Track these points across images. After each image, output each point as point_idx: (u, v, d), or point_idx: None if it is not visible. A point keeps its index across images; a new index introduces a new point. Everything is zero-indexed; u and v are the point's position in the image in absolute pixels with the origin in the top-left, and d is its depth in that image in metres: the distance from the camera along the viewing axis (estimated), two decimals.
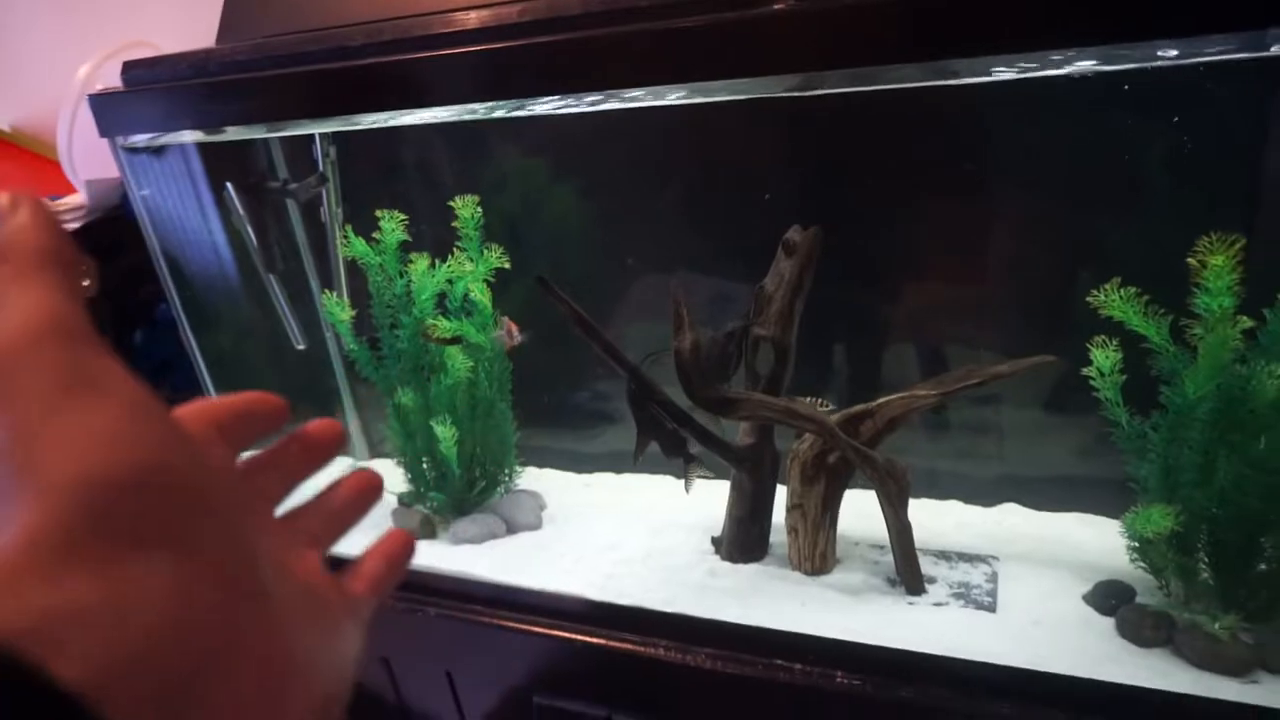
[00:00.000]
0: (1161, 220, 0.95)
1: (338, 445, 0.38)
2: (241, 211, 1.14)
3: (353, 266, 1.13)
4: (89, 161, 1.50)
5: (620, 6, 0.77)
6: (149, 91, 0.98)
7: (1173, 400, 0.82)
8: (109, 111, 1.00)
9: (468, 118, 0.92)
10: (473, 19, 0.84)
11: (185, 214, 1.22)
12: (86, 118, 1.46)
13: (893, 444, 0.98)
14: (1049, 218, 1.01)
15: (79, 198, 1.49)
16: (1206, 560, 0.86)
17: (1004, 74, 0.76)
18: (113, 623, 0.21)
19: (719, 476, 1.11)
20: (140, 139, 1.06)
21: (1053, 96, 0.91)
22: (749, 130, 1.05)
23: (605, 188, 1.18)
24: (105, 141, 1.44)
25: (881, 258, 1.09)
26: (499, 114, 0.93)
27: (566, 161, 1.18)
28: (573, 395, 1.36)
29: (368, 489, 0.39)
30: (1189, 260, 0.76)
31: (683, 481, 1.03)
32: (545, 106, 0.89)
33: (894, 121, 0.98)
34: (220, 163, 1.13)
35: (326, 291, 1.11)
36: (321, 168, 1.12)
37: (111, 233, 1.55)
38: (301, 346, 1.27)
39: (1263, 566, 0.84)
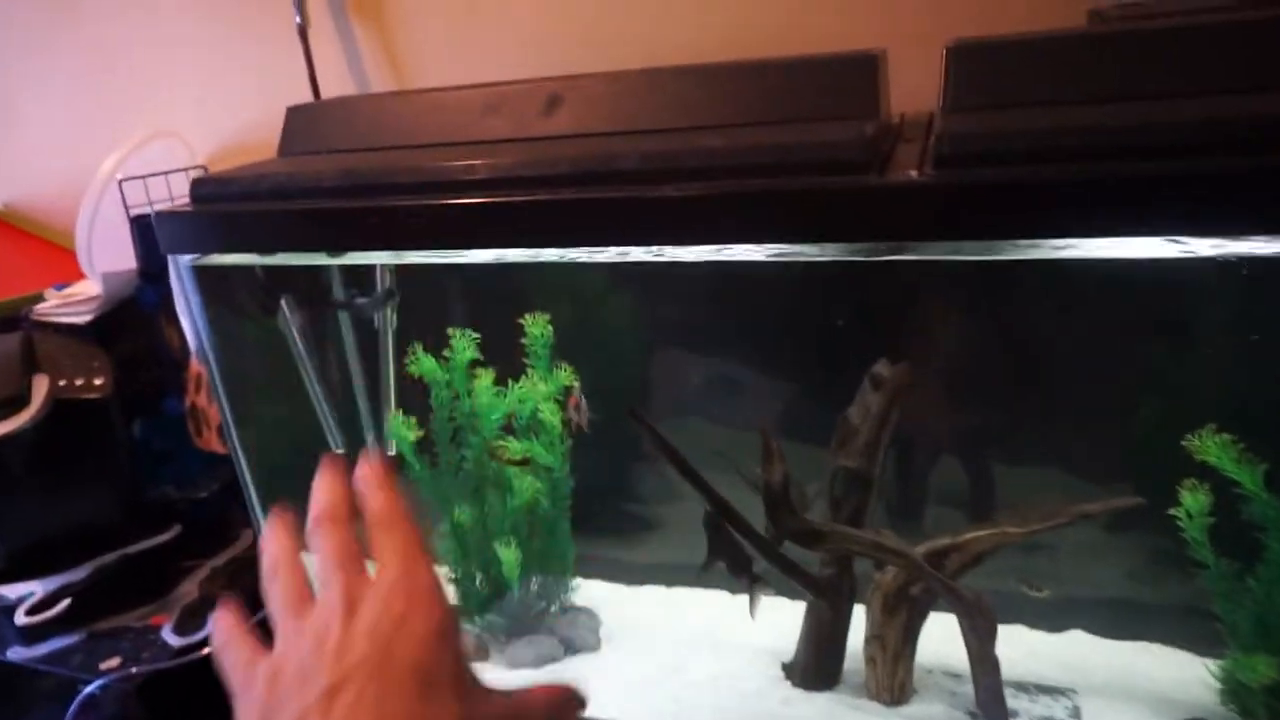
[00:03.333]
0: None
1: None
2: (293, 320, 1.10)
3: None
4: (105, 253, 1.45)
5: (684, 166, 0.77)
6: (219, 212, 0.94)
7: (1278, 552, 0.84)
8: (175, 229, 0.96)
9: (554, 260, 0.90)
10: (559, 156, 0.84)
11: (225, 318, 1.17)
12: (106, 209, 1.42)
13: None
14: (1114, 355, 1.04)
15: (93, 289, 1.44)
16: None
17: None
18: None
19: (780, 593, 1.10)
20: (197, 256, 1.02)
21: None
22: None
23: (671, 302, 1.18)
24: (124, 232, 1.41)
25: (946, 387, 1.10)
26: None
27: (629, 277, 1.18)
28: (613, 500, 1.34)
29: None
30: None
31: (746, 599, 1.02)
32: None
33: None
34: (277, 275, 1.09)
35: (395, 411, 1.08)
36: (386, 283, 1.10)
37: (115, 319, 1.49)
38: (341, 451, 1.23)
39: None
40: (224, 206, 0.95)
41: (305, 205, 0.90)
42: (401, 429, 1.07)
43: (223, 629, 0.46)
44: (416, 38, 1.26)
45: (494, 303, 1.22)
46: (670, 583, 1.29)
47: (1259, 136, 0.61)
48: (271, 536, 0.47)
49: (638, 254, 0.89)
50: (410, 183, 0.87)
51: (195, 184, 0.96)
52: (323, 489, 0.47)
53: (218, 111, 1.42)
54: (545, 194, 0.81)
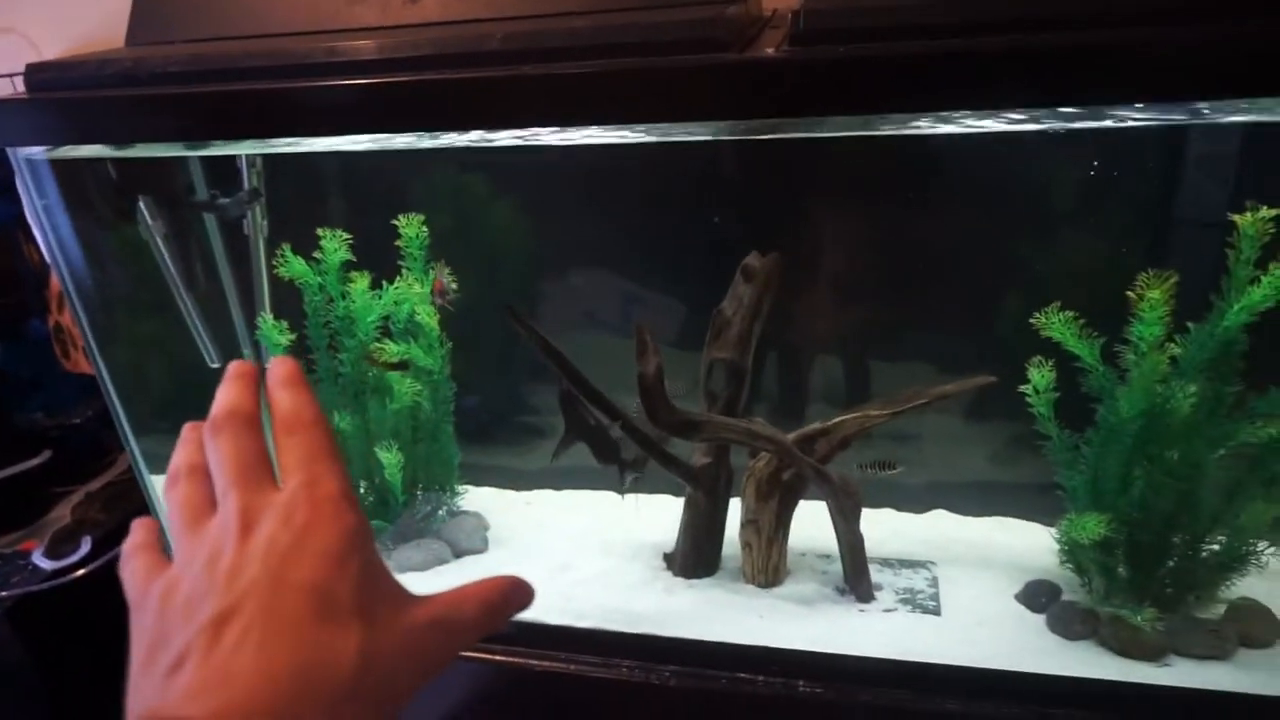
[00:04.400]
0: (1075, 248, 1.05)
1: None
2: (155, 226, 1.05)
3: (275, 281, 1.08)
4: None
5: (546, 46, 0.76)
6: (61, 100, 0.89)
7: (1105, 418, 0.90)
8: (10, 119, 0.90)
9: (433, 145, 0.89)
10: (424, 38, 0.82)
11: (81, 225, 1.11)
12: None
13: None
14: (974, 243, 1.09)
15: None
16: (1125, 559, 0.96)
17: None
18: None
19: (648, 481, 1.12)
20: (43, 151, 0.96)
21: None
22: (701, 157, 1.07)
23: (547, 203, 1.17)
24: None
25: (818, 278, 1.14)
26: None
27: (507, 179, 1.16)
28: (504, 409, 1.35)
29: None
30: (1128, 293, 0.84)
31: (632, 499, 1.05)
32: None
33: (835, 158, 1.03)
34: (132, 174, 1.04)
35: (263, 314, 1.04)
36: (251, 181, 1.05)
37: None
38: (216, 365, 1.19)
39: (1172, 563, 0.94)
40: (64, 94, 0.89)
41: (153, 91, 0.86)
42: (273, 333, 1.04)
43: (131, 541, 0.42)
44: None
45: (371, 204, 1.20)
46: (559, 487, 1.31)
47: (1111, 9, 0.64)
48: (180, 444, 0.43)
49: (508, 142, 0.88)
50: (268, 66, 0.84)
51: (31, 69, 0.90)
52: (225, 391, 0.42)
53: (64, 5, 1.32)
54: (408, 77, 0.79)
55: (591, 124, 0.77)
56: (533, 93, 0.75)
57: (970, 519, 1.17)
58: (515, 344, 1.25)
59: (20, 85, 1.28)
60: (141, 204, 1.04)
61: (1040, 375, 0.94)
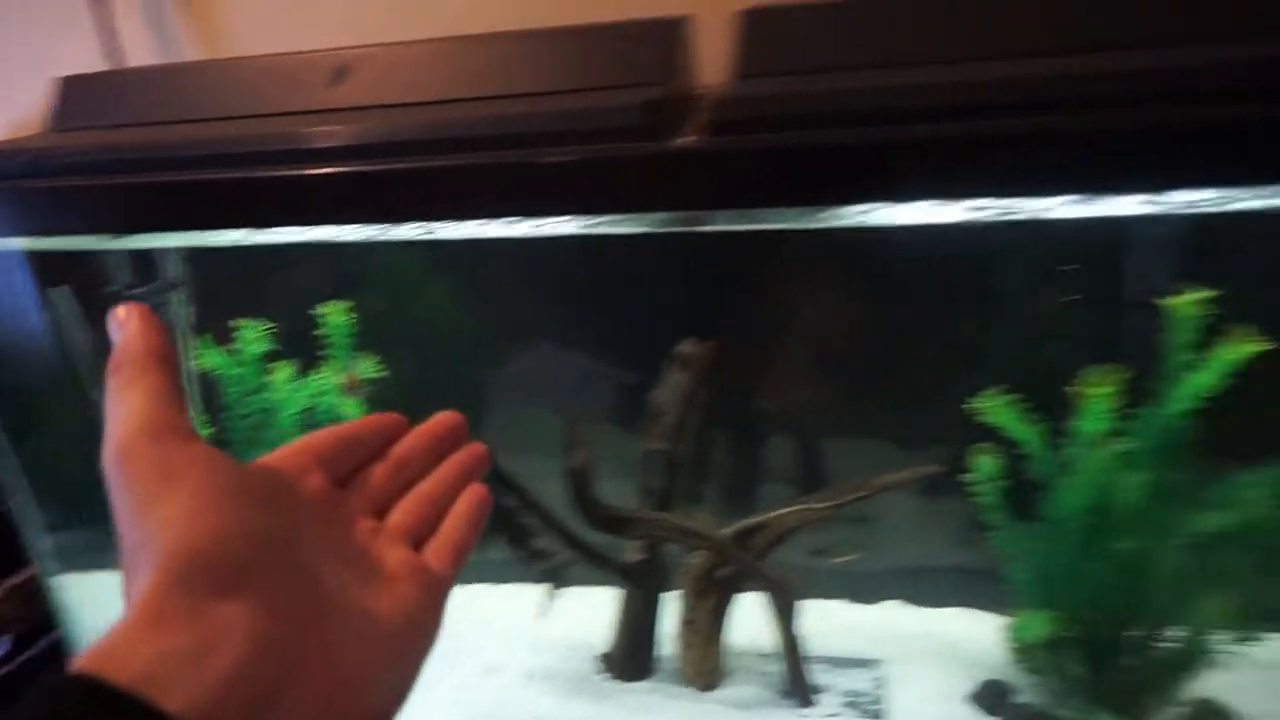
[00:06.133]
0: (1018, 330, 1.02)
1: (458, 437, 0.43)
2: (70, 317, 1.01)
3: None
4: None
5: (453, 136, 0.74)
6: None
7: (1049, 510, 0.87)
8: None
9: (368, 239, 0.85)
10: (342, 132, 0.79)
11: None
12: None
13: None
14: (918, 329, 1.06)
15: None
16: (1079, 658, 0.91)
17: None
18: (200, 661, 0.26)
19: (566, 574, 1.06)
20: None
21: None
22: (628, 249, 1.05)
23: (475, 289, 1.14)
24: None
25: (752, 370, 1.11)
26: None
27: (435, 263, 1.14)
28: None
29: (470, 464, 0.43)
30: (1071, 389, 0.81)
31: (567, 590, 1.00)
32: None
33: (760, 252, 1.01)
34: (49, 263, 1.00)
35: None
36: (169, 271, 1.02)
37: None
38: None
39: (1128, 662, 0.90)
40: None
41: (58, 182, 0.83)
42: (197, 425, 1.00)
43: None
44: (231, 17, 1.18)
45: (307, 291, 1.16)
46: (500, 580, 1.25)
47: (1046, 97, 0.61)
48: None
49: (443, 233, 0.85)
50: (178, 157, 0.81)
51: None
52: None
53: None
54: (316, 168, 0.76)
55: (495, 216, 0.74)
56: (437, 185, 0.73)
57: (927, 610, 1.12)
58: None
59: None
60: (55, 294, 1.01)
61: (986, 463, 0.90)
